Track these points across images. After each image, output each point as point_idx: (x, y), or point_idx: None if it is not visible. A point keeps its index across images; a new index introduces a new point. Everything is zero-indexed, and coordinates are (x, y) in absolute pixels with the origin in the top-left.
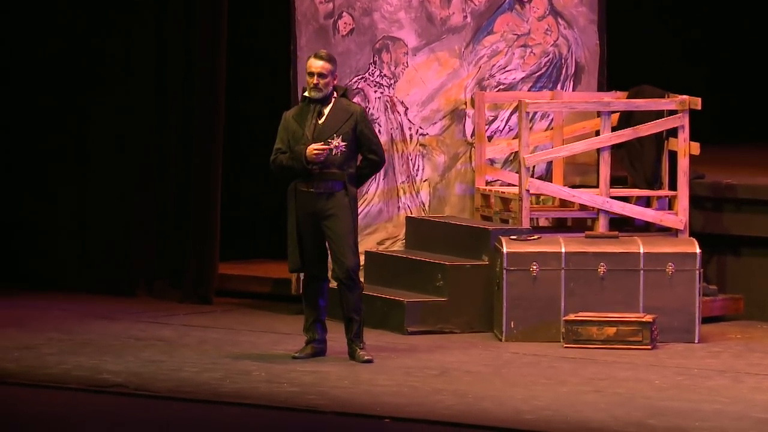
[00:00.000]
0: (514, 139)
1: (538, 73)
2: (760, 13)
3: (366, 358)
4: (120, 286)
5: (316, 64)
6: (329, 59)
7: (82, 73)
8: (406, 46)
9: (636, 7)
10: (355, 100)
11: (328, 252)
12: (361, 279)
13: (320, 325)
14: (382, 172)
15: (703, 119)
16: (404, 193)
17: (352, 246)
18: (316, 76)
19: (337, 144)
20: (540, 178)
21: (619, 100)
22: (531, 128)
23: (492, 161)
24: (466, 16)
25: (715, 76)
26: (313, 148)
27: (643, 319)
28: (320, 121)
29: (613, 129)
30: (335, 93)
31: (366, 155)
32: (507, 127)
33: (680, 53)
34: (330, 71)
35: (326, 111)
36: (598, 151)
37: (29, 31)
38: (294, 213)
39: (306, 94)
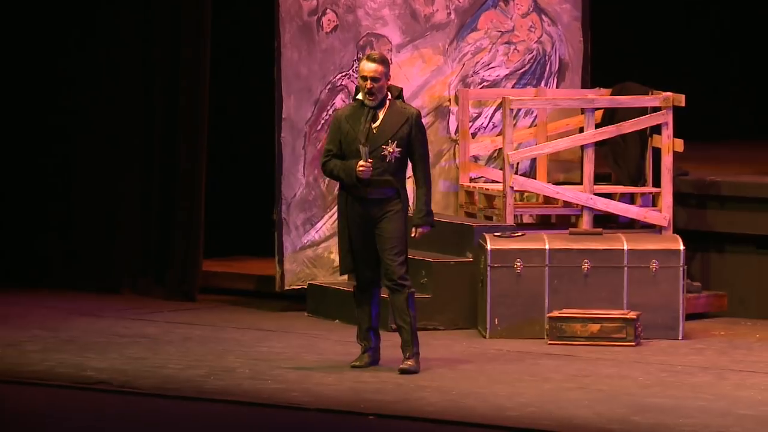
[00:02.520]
0: (498, 136)
1: (521, 70)
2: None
3: (402, 367)
4: (104, 283)
5: (369, 68)
6: (382, 61)
7: (69, 71)
8: (390, 43)
9: (619, 3)
10: (338, 97)
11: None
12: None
13: (373, 333)
14: None
15: (687, 116)
16: None
17: (401, 251)
18: (369, 81)
19: (391, 150)
20: (524, 175)
21: (602, 97)
22: (515, 125)
23: (476, 158)
24: (449, 13)
25: (699, 73)
26: (360, 166)
27: (627, 316)
28: (374, 125)
29: (597, 126)
30: (389, 94)
31: (415, 166)
32: (491, 124)
33: (665, 50)
34: (383, 74)
35: (381, 115)
36: (582, 148)
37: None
38: (345, 217)
39: (359, 97)
